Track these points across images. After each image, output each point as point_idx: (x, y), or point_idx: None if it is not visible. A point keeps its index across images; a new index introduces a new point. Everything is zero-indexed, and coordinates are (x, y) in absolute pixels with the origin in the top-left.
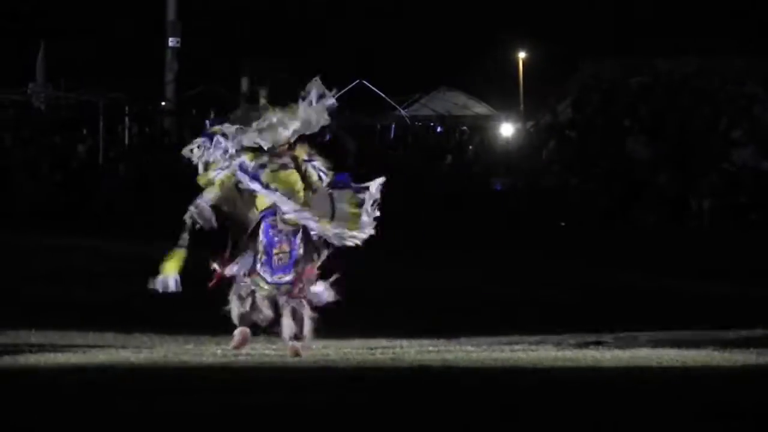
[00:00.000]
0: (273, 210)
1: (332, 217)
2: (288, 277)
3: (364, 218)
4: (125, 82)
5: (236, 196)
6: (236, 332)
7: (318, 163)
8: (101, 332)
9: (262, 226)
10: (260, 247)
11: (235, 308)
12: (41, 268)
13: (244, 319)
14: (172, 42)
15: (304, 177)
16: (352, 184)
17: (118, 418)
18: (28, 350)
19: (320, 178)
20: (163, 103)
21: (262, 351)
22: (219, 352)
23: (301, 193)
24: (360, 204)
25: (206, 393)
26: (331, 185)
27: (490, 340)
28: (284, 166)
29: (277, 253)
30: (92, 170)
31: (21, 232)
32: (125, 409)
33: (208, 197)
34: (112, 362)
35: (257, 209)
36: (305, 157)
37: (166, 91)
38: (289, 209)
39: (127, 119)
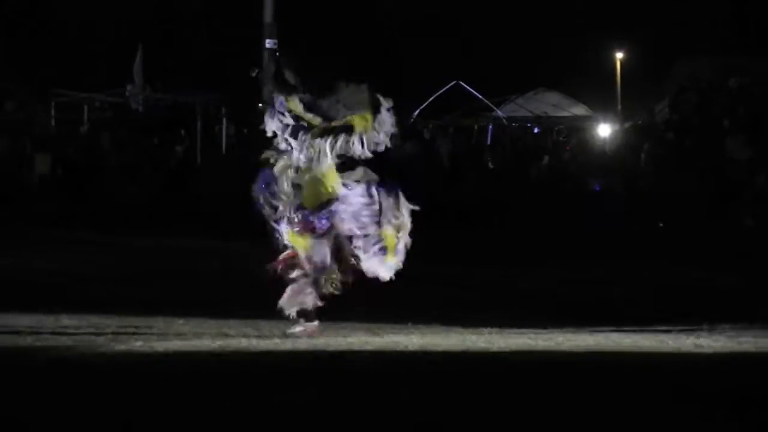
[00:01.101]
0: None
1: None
2: None
3: (400, 246)
4: (222, 83)
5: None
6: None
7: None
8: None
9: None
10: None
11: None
12: (135, 268)
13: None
14: (269, 43)
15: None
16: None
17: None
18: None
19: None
20: (260, 105)
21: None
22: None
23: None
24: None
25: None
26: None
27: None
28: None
29: None
30: (190, 171)
31: (120, 233)
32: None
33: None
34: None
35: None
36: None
37: (263, 93)
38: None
39: (224, 120)
